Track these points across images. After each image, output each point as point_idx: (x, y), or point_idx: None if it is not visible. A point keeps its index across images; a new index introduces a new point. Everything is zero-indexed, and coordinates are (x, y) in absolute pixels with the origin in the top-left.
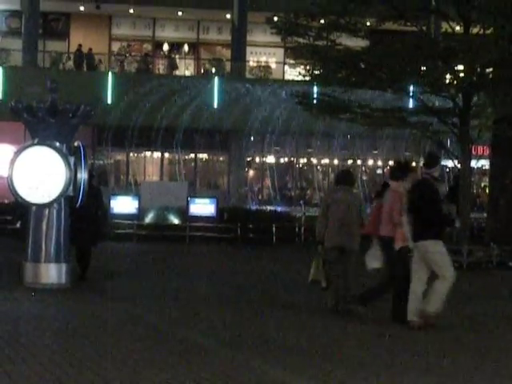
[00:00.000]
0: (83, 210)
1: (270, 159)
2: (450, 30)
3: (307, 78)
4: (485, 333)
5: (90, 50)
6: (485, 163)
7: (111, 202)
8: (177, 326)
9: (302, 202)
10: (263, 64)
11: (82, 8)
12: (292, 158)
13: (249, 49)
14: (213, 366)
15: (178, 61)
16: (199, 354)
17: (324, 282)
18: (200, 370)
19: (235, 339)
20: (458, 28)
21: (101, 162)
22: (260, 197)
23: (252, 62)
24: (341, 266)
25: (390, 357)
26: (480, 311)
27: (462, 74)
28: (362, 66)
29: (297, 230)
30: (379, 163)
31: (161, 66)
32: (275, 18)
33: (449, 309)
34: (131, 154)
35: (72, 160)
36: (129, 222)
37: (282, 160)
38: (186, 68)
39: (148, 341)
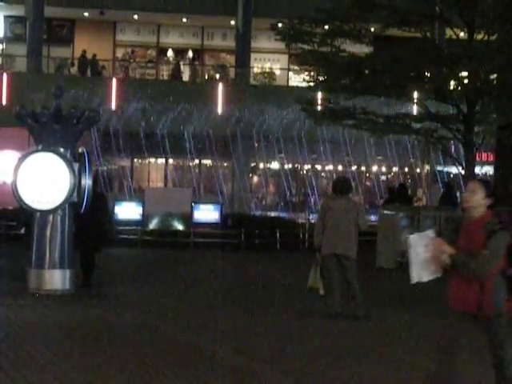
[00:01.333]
0: (87, 216)
1: (274, 165)
2: (454, 36)
3: (311, 85)
4: None
5: (95, 55)
6: (489, 169)
7: (115, 207)
8: (182, 331)
9: (306, 208)
10: (267, 70)
11: (86, 14)
12: (296, 164)
13: (253, 55)
14: (220, 373)
15: (182, 67)
16: (206, 360)
17: (322, 290)
18: (207, 376)
19: (242, 346)
20: (462, 34)
21: (105, 168)
22: (264, 203)
23: (256, 68)
24: (339, 272)
25: (398, 363)
26: None
27: (466, 81)
28: (367, 72)
29: (301, 236)
30: (383, 169)
31: (165, 72)
32: (279, 25)
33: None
34: (135, 160)
35: (76, 166)
36: (133, 227)
37: (286, 166)
38: (190, 74)
39: (154, 347)
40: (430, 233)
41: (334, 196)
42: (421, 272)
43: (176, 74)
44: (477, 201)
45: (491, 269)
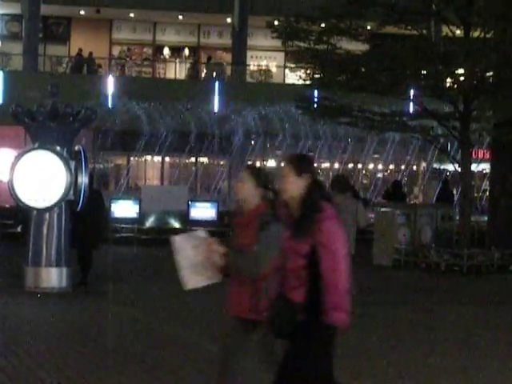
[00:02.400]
0: (84, 214)
1: (271, 163)
2: (450, 33)
3: (308, 82)
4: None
5: (91, 54)
6: (485, 167)
7: (112, 206)
8: (179, 329)
9: None
10: (264, 68)
11: (82, 12)
12: None
13: (249, 53)
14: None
15: (178, 65)
16: (204, 358)
17: None
18: (205, 374)
19: None
20: (458, 32)
21: (101, 166)
22: None
23: (252, 65)
24: None
25: (395, 360)
26: (470, 315)
27: (462, 78)
28: (363, 69)
29: None
30: (380, 167)
31: (161, 70)
32: (276, 22)
33: (443, 311)
34: (132, 158)
35: (73, 164)
36: (129, 226)
37: (282, 164)
38: (186, 72)
39: (151, 345)
40: (201, 233)
41: (333, 193)
42: (194, 277)
43: (192, 73)
44: (248, 191)
45: (264, 266)
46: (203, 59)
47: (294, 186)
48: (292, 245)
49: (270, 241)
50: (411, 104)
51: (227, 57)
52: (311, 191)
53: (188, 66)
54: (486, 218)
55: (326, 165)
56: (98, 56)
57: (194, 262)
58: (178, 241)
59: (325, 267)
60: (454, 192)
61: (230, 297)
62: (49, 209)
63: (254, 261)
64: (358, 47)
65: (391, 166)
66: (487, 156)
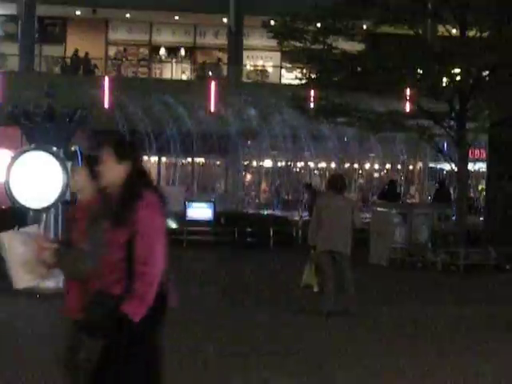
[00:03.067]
0: None
1: (267, 163)
2: (446, 33)
3: (304, 82)
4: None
5: (87, 54)
6: (482, 166)
7: None
8: (172, 330)
9: (299, 205)
10: (260, 68)
11: (78, 12)
12: (289, 162)
13: (245, 53)
14: (213, 372)
15: (175, 65)
16: (198, 358)
17: (316, 287)
18: (201, 375)
19: (235, 343)
20: (454, 31)
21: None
22: (257, 200)
23: (249, 65)
24: (333, 270)
25: (391, 360)
26: (467, 314)
27: (458, 77)
28: (359, 69)
29: (294, 233)
30: (376, 166)
31: (157, 71)
32: (272, 22)
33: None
34: None
35: (69, 165)
36: None
37: (279, 164)
38: (182, 72)
39: None
40: (32, 229)
41: (329, 193)
42: (24, 276)
43: (200, 73)
44: (80, 182)
45: (93, 265)
46: (199, 59)
47: (114, 173)
48: (110, 235)
49: (99, 237)
50: (407, 103)
51: (223, 57)
52: (131, 178)
53: (195, 66)
54: (481, 218)
55: (323, 164)
56: (94, 56)
57: (23, 260)
58: (6, 237)
59: (138, 254)
60: (451, 191)
61: (65, 296)
62: (45, 209)
63: (82, 259)
64: (354, 47)
65: (387, 166)
66: (483, 155)
